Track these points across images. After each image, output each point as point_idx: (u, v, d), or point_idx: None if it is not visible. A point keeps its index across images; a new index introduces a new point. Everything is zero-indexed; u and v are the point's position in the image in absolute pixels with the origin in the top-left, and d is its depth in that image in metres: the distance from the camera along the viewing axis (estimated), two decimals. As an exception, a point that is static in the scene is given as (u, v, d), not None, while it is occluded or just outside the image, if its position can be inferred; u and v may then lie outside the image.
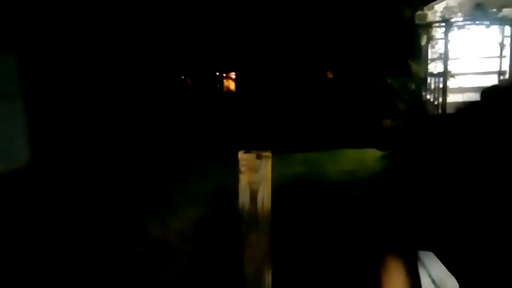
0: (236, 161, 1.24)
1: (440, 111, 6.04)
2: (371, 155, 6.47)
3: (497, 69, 6.90)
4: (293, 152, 6.52)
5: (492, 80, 6.92)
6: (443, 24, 6.09)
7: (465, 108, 0.87)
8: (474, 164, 0.82)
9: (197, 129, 9.22)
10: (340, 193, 4.80)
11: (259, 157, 1.22)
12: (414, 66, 6.04)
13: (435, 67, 6.20)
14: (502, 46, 6.77)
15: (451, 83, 6.07)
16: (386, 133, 6.72)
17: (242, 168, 1.22)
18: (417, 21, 6.15)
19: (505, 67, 6.89)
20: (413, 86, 6.13)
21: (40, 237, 3.59)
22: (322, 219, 3.85)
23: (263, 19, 9.67)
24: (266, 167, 1.23)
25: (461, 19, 6.16)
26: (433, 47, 6.24)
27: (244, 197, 1.23)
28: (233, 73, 11.40)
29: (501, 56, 6.85)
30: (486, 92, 0.86)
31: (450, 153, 0.86)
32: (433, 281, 1.35)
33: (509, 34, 6.73)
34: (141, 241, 3.51)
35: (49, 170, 5.75)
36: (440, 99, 6.01)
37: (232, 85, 11.59)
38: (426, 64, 6.15)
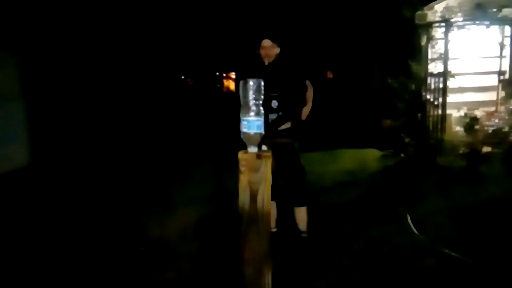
0: (235, 161, 1.24)
1: (440, 111, 6.03)
2: (371, 155, 6.48)
3: (497, 69, 6.89)
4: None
5: (492, 80, 6.91)
6: (443, 24, 6.07)
7: None
8: None
9: (197, 129, 9.22)
10: (339, 192, 4.80)
11: (259, 157, 1.22)
12: (414, 66, 6.03)
13: (435, 67, 6.18)
14: (502, 46, 6.76)
15: (451, 83, 6.06)
16: (386, 133, 6.71)
17: (242, 168, 1.22)
18: (417, 21, 6.13)
19: (505, 67, 6.88)
20: (413, 86, 6.12)
21: (40, 237, 3.59)
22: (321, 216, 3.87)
23: (262, 18, 9.67)
24: (266, 167, 1.23)
25: (461, 19, 6.14)
26: (433, 47, 6.21)
27: (244, 197, 1.23)
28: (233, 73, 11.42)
29: (501, 56, 6.83)
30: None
31: None
32: None
33: (509, 34, 6.72)
34: (141, 240, 3.51)
35: (49, 170, 5.75)
36: (440, 99, 5.99)
37: (232, 85, 11.60)
38: (426, 64, 6.13)
